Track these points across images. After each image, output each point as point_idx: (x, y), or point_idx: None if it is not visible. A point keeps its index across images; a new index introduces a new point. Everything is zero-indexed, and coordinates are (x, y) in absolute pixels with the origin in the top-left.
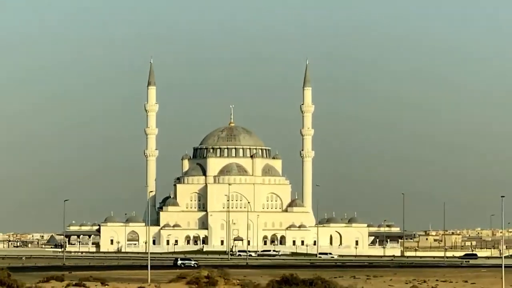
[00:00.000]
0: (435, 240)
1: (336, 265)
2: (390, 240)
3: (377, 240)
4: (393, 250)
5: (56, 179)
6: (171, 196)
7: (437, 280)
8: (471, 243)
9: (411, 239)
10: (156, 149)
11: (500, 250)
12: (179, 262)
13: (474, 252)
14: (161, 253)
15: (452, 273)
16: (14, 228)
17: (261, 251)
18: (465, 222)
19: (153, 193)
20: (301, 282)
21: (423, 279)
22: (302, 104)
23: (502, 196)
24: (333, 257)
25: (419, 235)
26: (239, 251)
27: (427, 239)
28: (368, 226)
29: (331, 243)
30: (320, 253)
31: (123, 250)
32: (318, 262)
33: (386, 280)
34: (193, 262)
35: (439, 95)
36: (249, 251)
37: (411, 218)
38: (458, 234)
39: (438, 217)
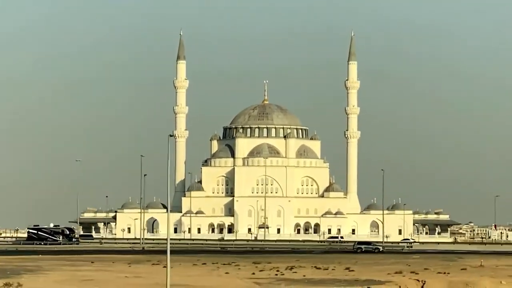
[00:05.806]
0: None
1: (253, 251)
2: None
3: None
4: (441, 239)
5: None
6: (197, 180)
7: (312, 266)
8: None
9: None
10: (186, 130)
11: None
12: (356, 246)
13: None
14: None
15: (369, 259)
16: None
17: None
18: None
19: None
20: None
21: (298, 266)
22: (347, 80)
23: None
24: None
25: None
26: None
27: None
28: (414, 213)
29: (376, 231)
30: None
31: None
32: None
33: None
34: (372, 246)
35: (502, 70)
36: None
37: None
38: None
39: None
